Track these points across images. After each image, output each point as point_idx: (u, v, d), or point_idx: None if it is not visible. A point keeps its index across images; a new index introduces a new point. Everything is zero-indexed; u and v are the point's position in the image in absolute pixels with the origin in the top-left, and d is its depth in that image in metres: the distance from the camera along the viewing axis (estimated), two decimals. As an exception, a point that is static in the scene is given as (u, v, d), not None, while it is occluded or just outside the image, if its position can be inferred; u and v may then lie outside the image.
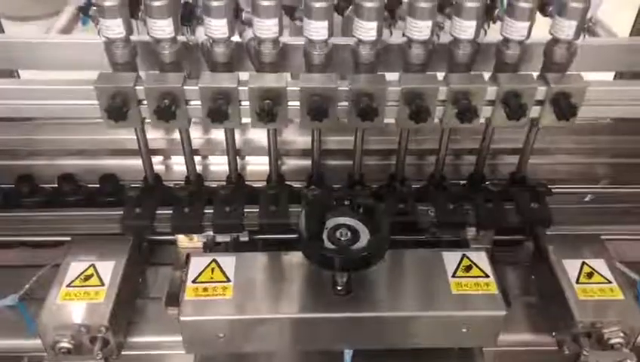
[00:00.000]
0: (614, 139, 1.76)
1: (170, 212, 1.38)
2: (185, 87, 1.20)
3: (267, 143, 1.39)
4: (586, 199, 1.65)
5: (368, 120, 1.19)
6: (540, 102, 1.24)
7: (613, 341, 1.18)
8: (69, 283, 1.22)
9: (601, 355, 1.19)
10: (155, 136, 1.59)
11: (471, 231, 1.40)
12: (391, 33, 1.28)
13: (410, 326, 1.21)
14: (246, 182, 1.51)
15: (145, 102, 1.22)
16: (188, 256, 1.28)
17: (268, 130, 1.36)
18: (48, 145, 1.66)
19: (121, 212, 1.38)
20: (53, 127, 1.64)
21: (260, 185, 1.49)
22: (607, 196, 1.65)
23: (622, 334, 1.19)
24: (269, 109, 1.19)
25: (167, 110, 1.19)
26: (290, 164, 1.70)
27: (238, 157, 1.48)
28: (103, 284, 1.22)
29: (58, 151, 1.66)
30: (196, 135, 1.60)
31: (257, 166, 1.64)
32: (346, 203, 1.22)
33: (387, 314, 1.19)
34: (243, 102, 1.22)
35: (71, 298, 1.20)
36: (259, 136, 1.62)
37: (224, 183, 1.48)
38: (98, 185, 1.54)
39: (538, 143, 1.44)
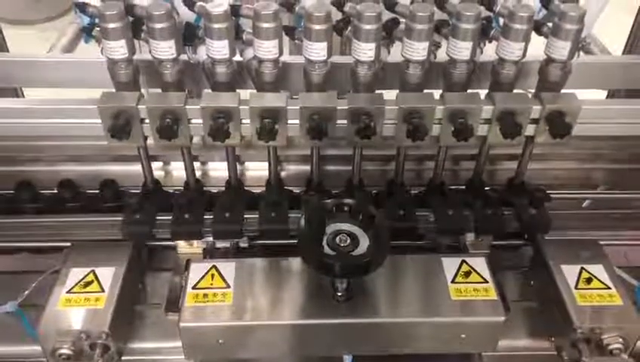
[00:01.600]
0: (613, 145, 1.77)
1: (170, 218, 1.38)
2: (187, 107, 1.22)
3: (267, 149, 1.40)
4: (585, 205, 1.66)
5: (366, 138, 1.21)
6: (535, 121, 1.26)
7: (612, 346, 1.19)
8: (70, 289, 1.22)
9: (599, 361, 1.19)
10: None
11: (470, 237, 1.41)
12: (389, 52, 1.29)
13: (410, 332, 1.21)
14: (245, 188, 1.51)
15: (147, 120, 1.23)
16: (188, 262, 1.29)
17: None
18: (48, 151, 1.66)
19: (121, 218, 1.39)
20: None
21: (260, 191, 1.49)
22: (606, 201, 1.65)
23: (621, 340, 1.19)
24: (269, 128, 1.20)
25: (170, 129, 1.21)
26: (290, 169, 1.70)
27: (237, 162, 1.48)
28: (103, 290, 1.22)
29: (58, 157, 1.67)
30: (196, 141, 1.60)
31: (257, 171, 1.65)
32: (346, 209, 1.23)
33: (387, 320, 1.20)
34: (244, 121, 1.23)
35: (71, 304, 1.20)
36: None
37: (224, 189, 1.49)
38: (98, 191, 1.54)
39: (537, 149, 1.45)
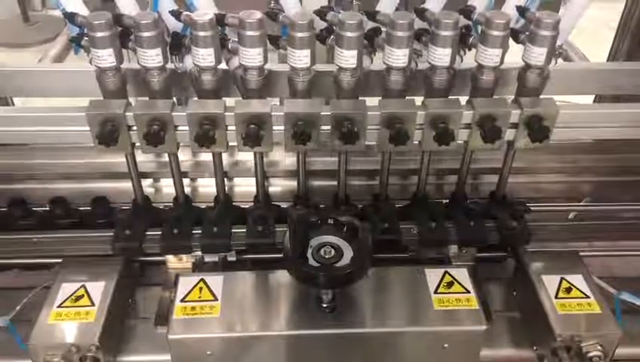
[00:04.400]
0: (596, 158, 1.81)
1: (160, 233, 1.40)
2: (173, 113, 1.24)
3: (254, 165, 1.43)
4: (570, 217, 1.69)
5: (350, 143, 1.24)
6: (515, 125, 1.29)
7: (591, 354, 1.21)
8: (60, 304, 1.25)
9: (579, 368, 1.22)
10: (144, 159, 1.63)
11: (453, 249, 1.44)
12: (371, 61, 1.33)
13: (394, 341, 1.23)
14: (234, 203, 1.54)
15: (135, 127, 1.25)
16: (177, 277, 1.31)
17: (255, 152, 1.40)
18: (40, 169, 1.69)
19: (112, 233, 1.41)
20: (45, 152, 1.68)
21: (248, 206, 1.52)
22: (588, 213, 1.68)
23: (600, 347, 1.21)
24: (254, 134, 1.23)
25: (156, 135, 1.23)
26: (278, 184, 1.73)
27: (225, 178, 1.51)
28: (93, 304, 1.25)
29: (50, 175, 1.70)
30: (185, 158, 1.64)
31: (245, 187, 1.68)
32: (330, 222, 1.26)
33: (371, 330, 1.22)
34: (230, 127, 1.26)
35: (62, 318, 1.22)
36: (246, 157, 1.67)
37: (212, 204, 1.51)
38: (89, 208, 1.57)
39: (523, 163, 1.47)
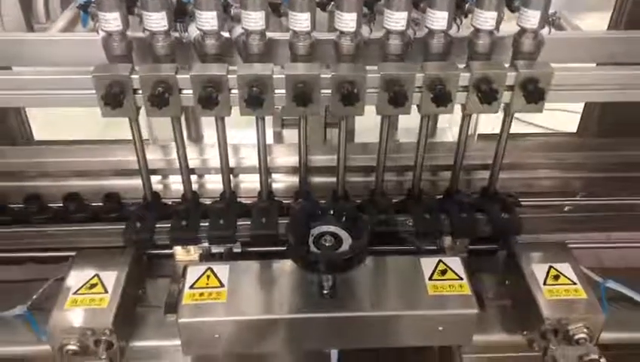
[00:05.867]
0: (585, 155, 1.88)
1: (169, 225, 1.47)
2: (178, 76, 1.28)
3: (257, 160, 1.49)
4: (565, 210, 1.75)
5: (350, 105, 1.28)
6: (511, 88, 1.33)
7: (577, 336, 1.28)
8: (76, 291, 1.32)
9: (566, 349, 1.29)
10: (154, 157, 1.71)
11: (447, 241, 1.50)
12: (370, 30, 1.38)
13: (391, 325, 1.30)
14: (239, 199, 1.60)
15: (140, 91, 1.29)
16: (185, 267, 1.38)
17: (258, 148, 1.47)
18: (54, 167, 1.77)
19: (123, 227, 1.48)
20: (59, 150, 1.75)
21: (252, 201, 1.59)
22: (579, 208, 1.75)
23: (585, 330, 1.28)
24: (256, 96, 1.27)
25: (161, 97, 1.26)
26: (281, 182, 1.81)
27: (231, 174, 1.57)
28: (106, 292, 1.32)
29: (64, 173, 1.77)
30: (192, 155, 1.71)
31: (250, 183, 1.76)
32: (330, 212, 1.33)
33: (369, 313, 1.29)
34: (232, 91, 1.31)
35: (77, 304, 1.29)
36: (250, 154, 1.75)
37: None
38: (102, 204, 1.64)
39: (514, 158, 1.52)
